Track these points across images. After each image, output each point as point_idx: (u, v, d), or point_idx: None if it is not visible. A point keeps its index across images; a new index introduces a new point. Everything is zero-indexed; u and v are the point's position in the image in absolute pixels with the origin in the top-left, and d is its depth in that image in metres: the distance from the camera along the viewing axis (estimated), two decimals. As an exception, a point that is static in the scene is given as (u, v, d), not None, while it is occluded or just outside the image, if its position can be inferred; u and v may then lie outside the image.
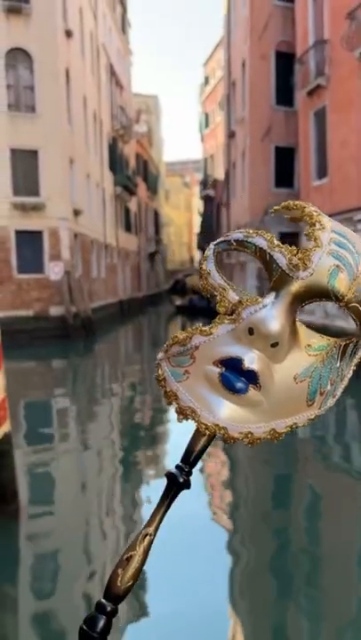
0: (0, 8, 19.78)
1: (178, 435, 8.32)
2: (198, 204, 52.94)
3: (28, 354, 16.66)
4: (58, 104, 20.99)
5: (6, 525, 4.94)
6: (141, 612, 3.74)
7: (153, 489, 6.26)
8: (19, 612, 4.01)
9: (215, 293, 0.67)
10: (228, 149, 28.41)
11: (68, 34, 22.19)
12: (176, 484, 0.65)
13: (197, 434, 0.65)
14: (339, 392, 0.67)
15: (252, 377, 0.62)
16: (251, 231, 0.67)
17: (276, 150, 22.72)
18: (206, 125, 40.92)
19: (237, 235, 0.67)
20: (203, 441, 0.65)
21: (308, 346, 0.65)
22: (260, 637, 3.69)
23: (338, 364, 0.66)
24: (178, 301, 38.84)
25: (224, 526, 5.21)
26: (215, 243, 0.68)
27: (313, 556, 4.67)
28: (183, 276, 59.39)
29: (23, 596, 4.14)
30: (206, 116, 41.00)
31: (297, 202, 0.68)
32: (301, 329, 0.66)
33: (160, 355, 0.66)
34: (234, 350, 0.62)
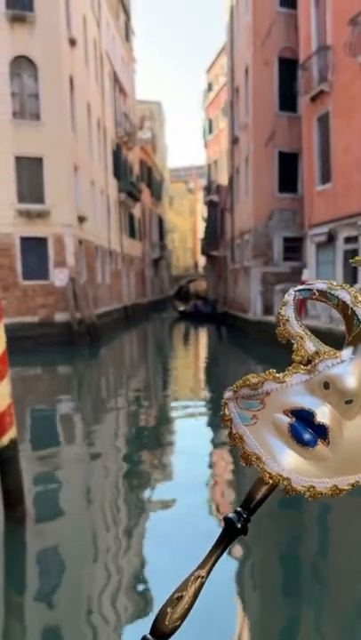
0: (4, 17, 19.95)
1: (182, 440, 8.31)
2: (202, 210, 53.08)
3: (33, 360, 16.71)
4: (62, 111, 21.12)
5: (12, 531, 4.95)
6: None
7: (157, 494, 6.26)
8: (24, 617, 4.01)
9: (292, 341, 0.66)
10: (231, 155, 28.49)
11: (72, 42, 22.34)
12: (233, 530, 0.64)
13: (260, 481, 0.64)
14: None
15: (322, 431, 0.61)
16: (335, 283, 0.66)
17: (280, 155, 22.76)
18: (210, 131, 41.05)
19: (321, 285, 0.66)
20: (264, 489, 0.64)
21: None
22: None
23: None
24: (181, 307, 38.88)
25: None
26: (296, 289, 0.67)
27: (324, 570, 4.65)
28: (187, 281, 59.46)
29: (29, 601, 4.14)
30: (210, 122, 41.14)
31: None
32: None
33: (228, 394, 0.65)
34: (306, 402, 0.62)
